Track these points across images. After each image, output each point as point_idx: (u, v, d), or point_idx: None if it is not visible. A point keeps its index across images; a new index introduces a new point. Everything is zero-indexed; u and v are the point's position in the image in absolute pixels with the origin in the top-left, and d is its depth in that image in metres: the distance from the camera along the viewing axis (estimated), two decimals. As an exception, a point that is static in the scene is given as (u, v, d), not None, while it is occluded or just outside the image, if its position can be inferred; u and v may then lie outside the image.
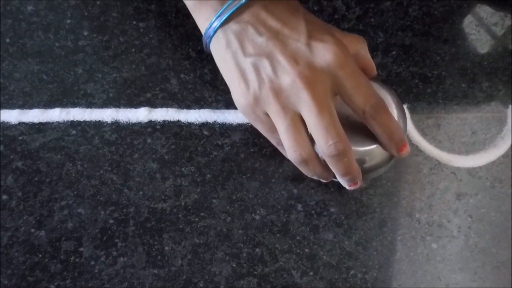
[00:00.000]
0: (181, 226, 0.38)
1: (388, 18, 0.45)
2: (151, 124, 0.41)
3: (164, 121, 0.42)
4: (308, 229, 0.38)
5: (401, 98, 0.41)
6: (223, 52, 0.34)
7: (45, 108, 0.42)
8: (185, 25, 0.44)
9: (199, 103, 0.42)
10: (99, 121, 0.42)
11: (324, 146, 0.32)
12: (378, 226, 0.38)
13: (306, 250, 0.37)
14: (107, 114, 0.42)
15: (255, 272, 0.37)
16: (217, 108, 0.42)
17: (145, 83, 0.43)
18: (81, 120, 0.42)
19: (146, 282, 0.37)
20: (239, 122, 0.41)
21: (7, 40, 0.44)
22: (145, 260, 0.37)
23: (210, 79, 0.43)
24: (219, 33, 0.34)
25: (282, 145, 0.34)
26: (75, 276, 0.37)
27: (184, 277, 0.37)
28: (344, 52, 0.32)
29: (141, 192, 0.39)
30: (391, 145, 0.33)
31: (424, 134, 0.41)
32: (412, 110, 0.41)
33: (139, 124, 0.41)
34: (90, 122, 0.42)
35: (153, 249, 0.37)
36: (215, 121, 0.41)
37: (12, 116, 0.42)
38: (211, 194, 0.39)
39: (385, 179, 0.39)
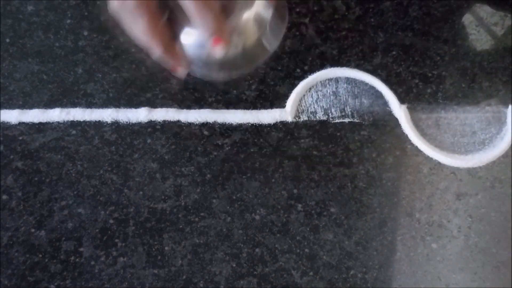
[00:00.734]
0: (181, 226, 0.38)
1: (388, 18, 0.45)
2: (151, 124, 0.41)
3: (164, 121, 0.42)
4: (308, 229, 0.38)
5: (401, 98, 0.41)
6: None
7: (45, 108, 0.42)
8: (185, 25, 0.44)
9: (199, 103, 0.42)
10: (99, 121, 0.42)
11: None
12: (378, 226, 0.38)
13: (306, 250, 0.37)
14: (107, 114, 0.42)
15: (255, 272, 0.37)
16: (217, 108, 0.42)
17: (145, 83, 0.43)
18: (81, 120, 0.42)
19: (146, 282, 0.37)
20: (239, 122, 0.41)
21: (7, 40, 0.44)
22: (145, 260, 0.37)
23: (210, 79, 0.43)
24: None
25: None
26: (75, 276, 0.37)
27: (184, 277, 0.37)
28: None
29: (141, 192, 0.39)
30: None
31: (424, 134, 0.41)
32: (412, 110, 0.41)
33: (139, 124, 0.41)
34: (90, 122, 0.42)
35: (153, 249, 0.37)
36: (215, 121, 0.41)
37: (12, 116, 0.42)
38: (211, 194, 0.39)
39: (385, 179, 0.39)
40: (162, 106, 0.42)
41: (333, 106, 0.42)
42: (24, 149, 0.41)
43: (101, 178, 0.40)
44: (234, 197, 0.39)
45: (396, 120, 0.41)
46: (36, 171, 0.40)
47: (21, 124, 0.42)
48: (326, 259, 0.37)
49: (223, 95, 0.42)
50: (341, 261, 0.37)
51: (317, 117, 0.41)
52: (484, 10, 0.45)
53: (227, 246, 0.38)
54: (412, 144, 0.40)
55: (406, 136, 0.40)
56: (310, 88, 0.42)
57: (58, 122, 0.42)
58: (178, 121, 0.41)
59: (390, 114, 0.41)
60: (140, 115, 0.42)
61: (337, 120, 0.41)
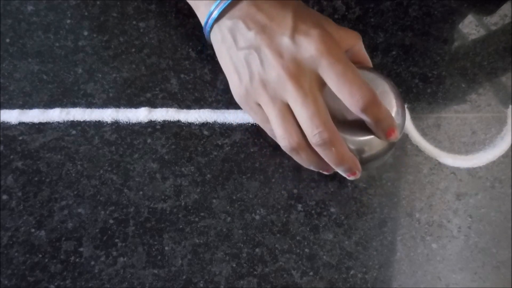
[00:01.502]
0: (181, 226, 0.38)
1: (388, 18, 0.45)
2: (151, 124, 0.41)
3: (164, 121, 0.42)
4: (308, 229, 0.38)
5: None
6: (219, 46, 0.36)
7: (45, 108, 0.42)
8: (185, 25, 0.44)
9: (199, 103, 0.42)
10: (99, 121, 0.42)
11: (310, 135, 0.33)
12: (378, 226, 0.38)
13: (306, 250, 0.37)
14: (107, 114, 0.42)
15: (255, 272, 0.37)
16: (217, 108, 0.42)
17: (145, 83, 0.43)
18: (81, 120, 0.42)
19: (146, 282, 0.37)
20: (239, 122, 0.41)
21: (7, 40, 0.44)
22: (145, 260, 0.37)
23: (210, 79, 0.43)
24: (215, 29, 0.36)
25: None
26: (75, 276, 0.37)
27: (184, 277, 0.37)
28: (328, 43, 0.33)
29: (141, 192, 0.39)
30: (378, 131, 0.34)
31: (424, 134, 0.41)
32: (412, 110, 0.41)
33: (139, 124, 0.41)
34: (90, 122, 0.42)
35: (153, 249, 0.37)
36: (215, 121, 0.41)
37: (12, 116, 0.42)
38: (211, 194, 0.39)
39: (385, 179, 0.39)
40: (162, 106, 0.42)
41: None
42: (24, 149, 0.41)
43: (101, 178, 0.40)
44: (234, 197, 0.39)
45: (396, 120, 0.41)
46: (36, 171, 0.40)
47: (21, 124, 0.42)
48: (326, 259, 0.37)
49: (223, 95, 0.42)
50: (341, 261, 0.37)
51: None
52: (484, 10, 0.45)
53: (227, 246, 0.38)
54: (412, 144, 0.40)
55: (406, 136, 0.40)
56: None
57: (58, 122, 0.42)
58: (178, 121, 0.41)
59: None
60: (140, 115, 0.42)
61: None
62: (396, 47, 0.43)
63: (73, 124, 0.41)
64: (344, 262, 0.37)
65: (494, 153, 0.40)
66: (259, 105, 0.35)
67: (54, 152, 0.41)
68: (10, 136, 0.41)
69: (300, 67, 0.33)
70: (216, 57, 0.38)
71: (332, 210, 0.39)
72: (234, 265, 0.37)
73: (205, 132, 0.41)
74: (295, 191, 0.39)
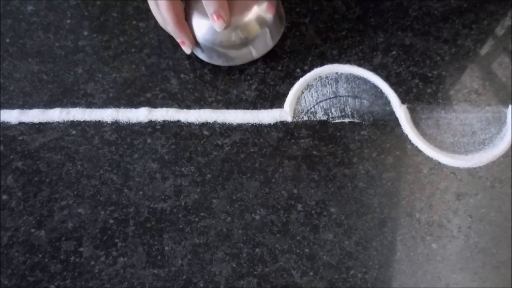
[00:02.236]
0: (181, 226, 0.38)
1: (388, 18, 0.45)
2: (151, 124, 0.41)
3: (164, 121, 0.42)
4: (308, 229, 0.38)
5: (401, 98, 0.41)
6: None
7: (45, 108, 0.42)
8: (185, 25, 0.44)
9: (199, 103, 0.42)
10: (99, 121, 0.42)
11: None
12: (378, 226, 0.38)
13: (306, 250, 0.37)
14: (107, 114, 0.42)
15: (255, 272, 0.37)
16: (217, 108, 0.42)
17: (145, 83, 0.43)
18: (81, 120, 0.42)
19: (146, 282, 0.37)
20: (239, 122, 0.41)
21: (7, 40, 0.44)
22: (145, 260, 0.37)
23: (210, 79, 0.43)
24: None
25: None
26: (75, 276, 0.37)
27: (184, 277, 0.37)
28: None
29: (141, 192, 0.39)
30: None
31: (424, 134, 0.41)
32: (412, 110, 0.41)
33: (139, 124, 0.41)
34: (90, 122, 0.42)
35: (153, 249, 0.37)
36: (215, 121, 0.41)
37: (12, 116, 0.42)
38: (211, 194, 0.39)
39: (385, 179, 0.39)
40: (162, 106, 0.42)
41: (333, 106, 0.42)
42: (24, 149, 0.41)
43: (101, 178, 0.40)
44: (234, 197, 0.39)
45: (396, 120, 0.41)
46: (36, 171, 0.40)
47: (21, 124, 0.42)
48: (326, 259, 0.37)
49: (223, 95, 0.42)
50: (341, 261, 0.37)
51: (317, 117, 0.41)
52: (484, 10, 0.45)
53: (227, 246, 0.38)
54: (412, 144, 0.40)
55: (406, 136, 0.40)
56: (310, 88, 0.42)
57: (58, 122, 0.42)
58: (178, 121, 0.41)
59: (390, 114, 0.41)
60: (140, 115, 0.42)
61: (337, 120, 0.41)
62: (396, 47, 0.43)
63: (73, 124, 0.41)
64: (344, 262, 0.37)
65: (494, 153, 0.40)
66: None
67: (54, 152, 0.41)
68: (10, 136, 0.41)
69: None
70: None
71: (332, 210, 0.39)
72: (234, 265, 0.37)
73: (205, 132, 0.41)
74: (295, 191, 0.39)
